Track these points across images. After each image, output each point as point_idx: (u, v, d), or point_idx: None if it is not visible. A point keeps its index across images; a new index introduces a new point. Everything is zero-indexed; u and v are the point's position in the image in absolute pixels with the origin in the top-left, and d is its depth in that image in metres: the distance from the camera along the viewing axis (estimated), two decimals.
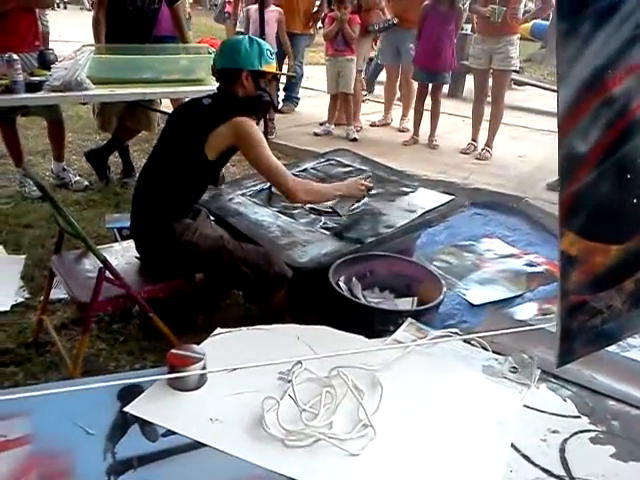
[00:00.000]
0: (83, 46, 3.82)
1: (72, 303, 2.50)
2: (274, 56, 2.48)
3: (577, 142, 0.99)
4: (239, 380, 1.37)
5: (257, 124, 2.47)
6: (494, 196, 4.38)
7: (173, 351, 1.37)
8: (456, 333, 1.58)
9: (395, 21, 5.76)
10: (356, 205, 2.79)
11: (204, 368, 1.35)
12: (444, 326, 2.37)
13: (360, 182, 2.72)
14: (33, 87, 3.46)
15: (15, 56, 3.37)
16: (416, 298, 2.49)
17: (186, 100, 2.75)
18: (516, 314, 2.87)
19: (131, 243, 2.54)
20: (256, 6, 5.35)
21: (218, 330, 1.56)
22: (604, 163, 1.05)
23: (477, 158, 5.34)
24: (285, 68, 5.98)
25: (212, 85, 4.04)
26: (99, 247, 2.61)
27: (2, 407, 1.25)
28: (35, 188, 4.12)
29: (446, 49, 5.39)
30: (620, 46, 1.00)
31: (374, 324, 2.06)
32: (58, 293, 2.76)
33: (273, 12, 5.77)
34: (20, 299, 2.92)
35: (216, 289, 2.79)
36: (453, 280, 3.32)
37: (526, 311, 2.93)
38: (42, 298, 2.62)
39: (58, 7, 15.16)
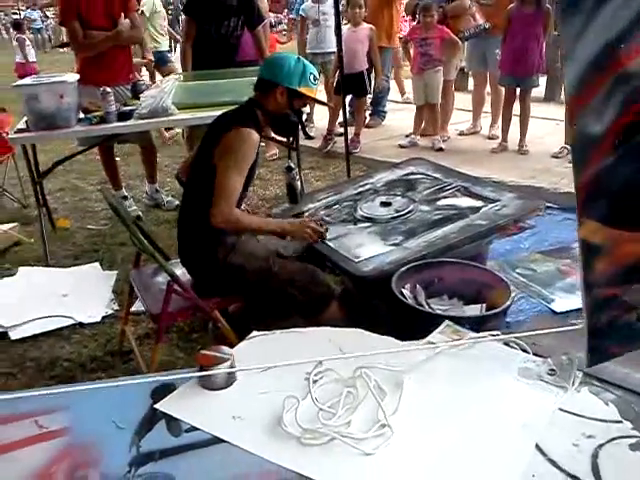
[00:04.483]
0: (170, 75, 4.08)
1: (147, 314, 2.65)
2: (317, 82, 2.42)
3: (590, 122, 0.92)
4: (267, 380, 1.40)
5: (282, 143, 2.24)
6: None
7: (202, 352, 1.42)
8: (496, 335, 1.51)
9: (487, 25, 5.55)
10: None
11: (232, 368, 1.39)
12: None
13: (311, 226, 2.44)
14: (124, 116, 3.72)
15: (108, 89, 3.64)
16: (485, 305, 2.42)
17: None
18: None
19: None
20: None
21: (254, 333, 1.59)
22: (624, 144, 0.98)
23: (570, 162, 5.06)
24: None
25: None
26: (174, 261, 2.76)
27: (46, 402, 1.36)
28: (135, 207, 4.43)
29: (533, 52, 5.18)
30: (631, 19, 0.93)
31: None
32: (142, 305, 2.94)
33: (364, 29, 5.74)
34: (110, 311, 3.19)
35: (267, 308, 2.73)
36: (536, 288, 3.18)
37: None
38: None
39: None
